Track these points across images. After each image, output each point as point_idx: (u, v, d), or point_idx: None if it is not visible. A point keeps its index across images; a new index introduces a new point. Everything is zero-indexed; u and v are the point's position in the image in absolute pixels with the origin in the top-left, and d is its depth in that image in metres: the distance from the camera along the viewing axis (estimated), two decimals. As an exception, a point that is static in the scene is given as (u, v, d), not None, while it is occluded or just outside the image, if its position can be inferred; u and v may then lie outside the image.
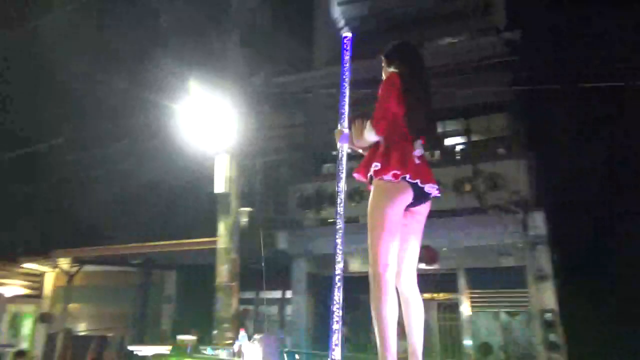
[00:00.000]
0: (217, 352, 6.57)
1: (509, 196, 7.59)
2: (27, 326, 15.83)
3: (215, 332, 7.56)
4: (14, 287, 14.06)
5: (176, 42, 7.78)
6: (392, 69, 2.66)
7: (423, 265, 8.92)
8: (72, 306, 14.61)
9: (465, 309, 8.88)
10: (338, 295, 2.61)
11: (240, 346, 7.12)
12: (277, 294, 12.64)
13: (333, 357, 2.38)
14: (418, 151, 2.44)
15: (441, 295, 9.65)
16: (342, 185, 2.67)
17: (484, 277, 8.50)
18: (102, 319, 13.28)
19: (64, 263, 10.36)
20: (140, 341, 11.43)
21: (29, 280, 14.48)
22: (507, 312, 8.92)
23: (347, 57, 3.03)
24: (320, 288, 9.94)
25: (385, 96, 2.49)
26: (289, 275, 10.33)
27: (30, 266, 13.96)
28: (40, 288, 14.70)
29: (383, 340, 2.23)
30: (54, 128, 11.86)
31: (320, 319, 9.77)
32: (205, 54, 7.83)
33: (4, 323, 14.86)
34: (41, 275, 14.60)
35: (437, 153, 10.35)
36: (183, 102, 7.84)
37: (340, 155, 2.66)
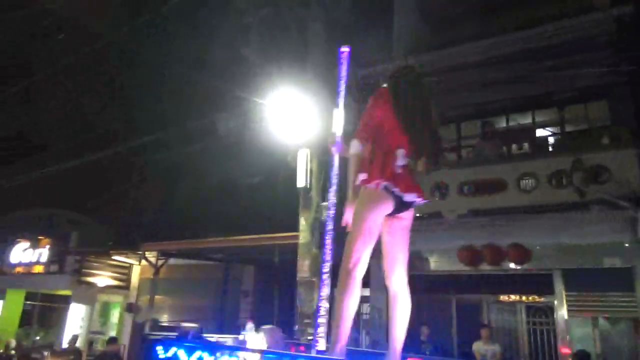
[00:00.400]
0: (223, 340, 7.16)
1: (615, 190, 6.89)
2: (115, 315, 16.83)
3: (296, 327, 7.50)
4: (105, 278, 14.98)
5: (259, 38, 7.79)
6: (384, 85, 2.86)
7: (512, 265, 8.36)
8: (156, 297, 15.36)
9: (560, 312, 8.21)
10: (325, 292, 2.86)
11: (245, 336, 8.07)
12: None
13: (317, 348, 2.62)
14: (400, 161, 2.57)
15: (530, 298, 9.02)
16: (333, 190, 3.01)
17: (584, 278, 7.78)
18: (184, 310, 13.79)
19: (151, 256, 10.80)
20: (220, 333, 11.70)
21: (117, 272, 15.37)
22: (609, 318, 8.14)
23: (343, 70, 3.32)
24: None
25: (370, 109, 2.72)
26: (366, 273, 10.11)
27: (119, 258, 14.82)
28: (127, 280, 15.57)
29: (338, 327, 2.41)
30: (139, 127, 12.46)
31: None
32: (287, 48, 7.79)
33: (96, 311, 15.88)
34: (129, 267, 15.46)
35: (526, 145, 9.72)
36: (265, 98, 7.84)
37: (333, 163, 2.98)
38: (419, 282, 10.07)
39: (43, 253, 15.19)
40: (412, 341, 8.35)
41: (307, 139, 7.95)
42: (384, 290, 8.37)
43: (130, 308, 15.40)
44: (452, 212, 8.25)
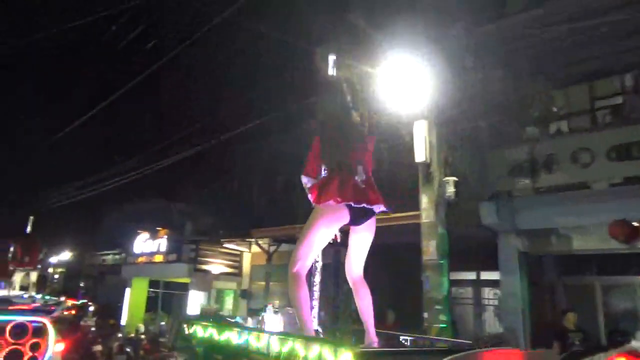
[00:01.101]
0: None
1: None
2: (228, 301, 17.42)
3: (425, 314, 6.89)
4: (218, 266, 15.48)
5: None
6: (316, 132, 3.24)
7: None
8: (262, 283, 15.57)
9: None
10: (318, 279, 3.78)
11: (263, 317, 8.07)
12: (469, 275, 11.59)
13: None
14: (358, 177, 2.95)
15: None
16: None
17: None
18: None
19: (263, 243, 10.76)
20: (335, 321, 11.45)
21: (229, 260, 15.83)
22: None
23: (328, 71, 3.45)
24: (533, 268, 8.61)
25: (314, 143, 3.14)
26: (491, 254, 9.22)
27: (230, 246, 15.21)
28: (239, 267, 15.98)
29: (301, 317, 2.85)
30: (242, 114, 12.51)
31: (535, 305, 8.47)
32: (396, 6, 7.12)
33: (212, 298, 16.51)
34: (240, 255, 15.84)
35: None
36: (374, 67, 7.27)
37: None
38: (554, 263, 9.00)
39: (162, 243, 16.06)
40: (557, 330, 7.36)
41: (423, 109, 7.24)
42: (517, 272, 7.42)
43: (244, 294, 15.82)
44: (601, 182, 7.08)
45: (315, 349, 2.19)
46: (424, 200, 7.10)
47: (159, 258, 16.14)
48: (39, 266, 13.73)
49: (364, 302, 3.10)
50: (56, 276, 33.20)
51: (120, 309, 18.20)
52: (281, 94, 12.24)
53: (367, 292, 3.13)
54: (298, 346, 2.28)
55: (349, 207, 2.88)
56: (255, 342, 2.52)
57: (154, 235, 16.51)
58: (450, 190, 7.00)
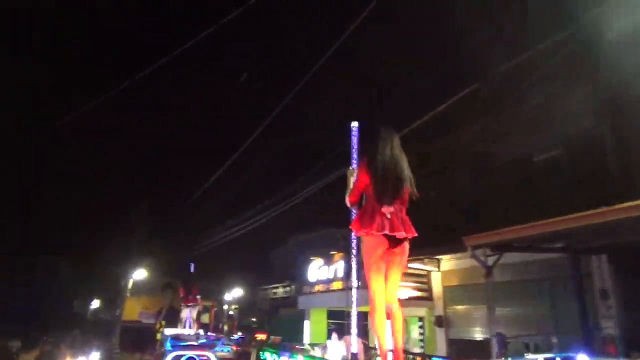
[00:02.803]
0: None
1: None
2: (414, 330, 15.22)
3: None
4: (406, 289, 13.42)
5: None
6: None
7: None
8: (463, 307, 13.08)
9: None
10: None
11: (326, 344, 10.12)
12: None
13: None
14: (386, 208, 3.31)
15: None
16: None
17: None
18: (512, 320, 11.00)
19: (481, 254, 8.39)
20: (586, 349, 8.52)
21: (415, 282, 13.73)
22: None
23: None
24: None
25: (357, 175, 3.64)
26: None
27: (415, 266, 13.11)
28: (427, 289, 13.76)
29: (378, 338, 3.33)
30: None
31: None
32: None
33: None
34: (426, 275, 13.66)
35: None
36: None
37: None
38: None
39: (338, 268, 14.59)
40: None
41: None
42: None
43: (438, 322, 13.48)
44: None
45: None
46: None
47: (337, 285, 14.64)
48: (197, 304, 14.40)
49: (396, 327, 3.37)
50: (231, 312, 34.41)
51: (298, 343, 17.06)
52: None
53: (399, 316, 3.37)
54: None
55: (385, 235, 3.29)
56: None
57: (329, 261, 15.14)
58: None
